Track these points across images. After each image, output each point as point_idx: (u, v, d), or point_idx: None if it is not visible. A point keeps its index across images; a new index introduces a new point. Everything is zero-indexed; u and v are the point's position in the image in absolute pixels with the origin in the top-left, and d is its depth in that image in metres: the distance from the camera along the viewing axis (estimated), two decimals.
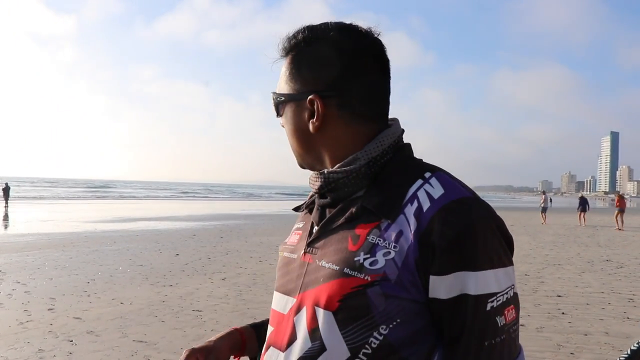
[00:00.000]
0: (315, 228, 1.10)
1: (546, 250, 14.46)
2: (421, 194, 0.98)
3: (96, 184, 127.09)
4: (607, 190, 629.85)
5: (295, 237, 1.18)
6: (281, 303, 1.10)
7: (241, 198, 74.24)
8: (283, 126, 1.16)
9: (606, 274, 10.43)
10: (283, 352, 1.03)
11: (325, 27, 1.09)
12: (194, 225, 21.41)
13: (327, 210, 1.10)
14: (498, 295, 0.95)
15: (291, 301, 1.06)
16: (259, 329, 1.31)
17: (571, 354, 5.27)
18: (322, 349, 0.97)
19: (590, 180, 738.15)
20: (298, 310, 1.03)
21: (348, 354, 0.95)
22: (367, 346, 0.94)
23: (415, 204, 0.97)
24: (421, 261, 0.93)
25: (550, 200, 32.29)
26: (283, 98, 1.11)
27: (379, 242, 0.96)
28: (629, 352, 1.40)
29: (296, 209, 1.28)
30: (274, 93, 1.13)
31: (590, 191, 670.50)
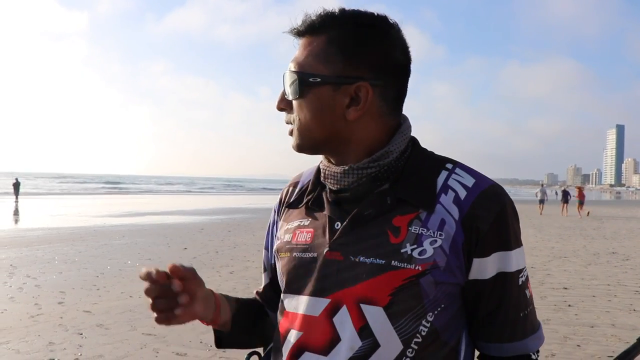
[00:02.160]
0: (338, 224, 1.05)
1: (552, 243, 14.44)
2: (453, 184, 1.03)
3: (105, 179, 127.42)
4: (613, 183, 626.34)
5: (306, 235, 1.10)
6: (307, 305, 1.04)
7: (249, 192, 74.27)
8: (282, 109, 1.10)
9: (612, 266, 10.42)
10: (326, 355, 0.99)
11: (367, 14, 1.05)
12: (202, 219, 21.47)
13: (346, 205, 1.06)
14: (523, 270, 1.04)
15: (322, 302, 1.02)
16: (235, 308, 1.21)
17: (577, 345, 5.29)
18: (375, 345, 0.96)
19: (595, 173, 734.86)
20: (335, 310, 1.00)
21: (401, 347, 0.96)
22: (417, 335, 0.97)
23: (451, 193, 1.01)
24: (466, 245, 0.98)
25: (556, 192, 33.06)
26: (319, 79, 1.02)
27: (423, 231, 0.98)
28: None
29: (292, 206, 1.20)
30: (303, 72, 1.04)
31: (595, 184, 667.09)
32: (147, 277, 0.98)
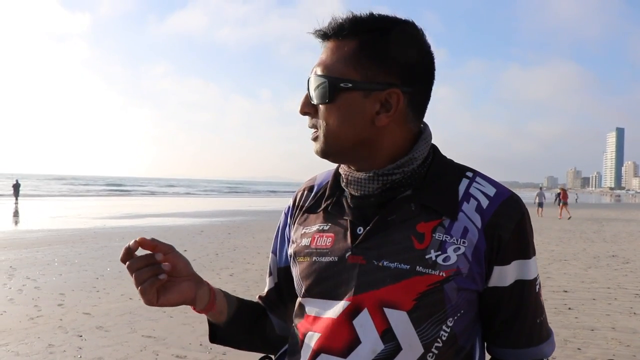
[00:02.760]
0: (360, 229, 1.05)
1: (552, 246, 14.42)
2: (475, 192, 1.05)
3: (105, 181, 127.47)
4: (613, 186, 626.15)
5: (326, 239, 1.09)
6: (328, 308, 1.05)
7: (249, 195, 74.26)
8: (306, 113, 1.07)
9: (612, 269, 10.40)
10: (345, 357, 1.00)
11: (397, 19, 1.05)
12: (202, 221, 21.45)
13: (368, 210, 1.06)
14: (538, 278, 1.07)
15: (342, 305, 1.02)
16: (231, 298, 1.23)
17: (578, 349, 5.29)
18: (397, 349, 0.97)
19: (595, 176, 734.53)
20: (356, 313, 1.00)
21: (422, 350, 0.98)
22: (438, 340, 0.99)
23: (473, 201, 1.03)
24: (488, 253, 1.00)
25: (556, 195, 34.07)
26: (350, 85, 1.01)
27: (447, 239, 1.00)
28: None
29: (310, 210, 1.18)
30: (333, 77, 1.02)
31: (595, 187, 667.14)
32: (127, 252, 1.01)
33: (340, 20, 1.04)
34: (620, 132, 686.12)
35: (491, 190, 1.05)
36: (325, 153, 1.07)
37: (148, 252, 1.03)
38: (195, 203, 41.02)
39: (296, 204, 1.24)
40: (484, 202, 1.03)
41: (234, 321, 1.20)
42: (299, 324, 1.11)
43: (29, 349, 5.21)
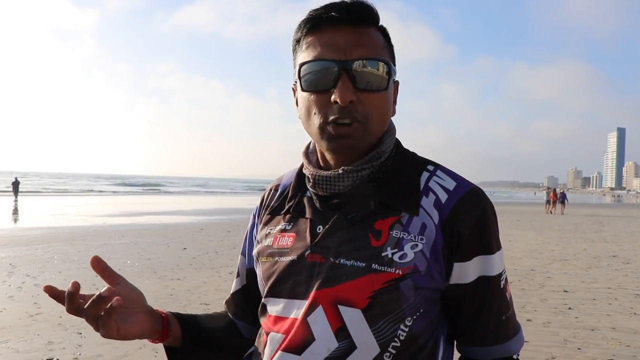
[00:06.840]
0: (320, 227, 1.04)
1: (552, 246, 14.41)
2: (434, 186, 1.02)
3: (108, 179, 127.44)
4: (614, 186, 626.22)
5: (287, 239, 1.08)
6: (287, 307, 1.04)
7: (249, 192, 74.25)
8: (350, 101, 0.97)
9: (613, 269, 10.40)
10: (299, 355, 0.98)
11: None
12: (202, 219, 21.44)
13: (330, 209, 1.05)
14: (503, 273, 1.04)
15: (301, 303, 1.01)
16: (185, 320, 1.20)
17: (578, 349, 5.28)
18: (351, 347, 0.95)
19: (596, 176, 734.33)
20: (311, 310, 0.99)
21: (378, 350, 0.95)
22: (395, 339, 0.96)
23: (432, 195, 1.00)
24: (447, 250, 0.97)
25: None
26: (396, 71, 1.04)
27: (404, 235, 0.97)
28: None
29: (274, 212, 1.17)
30: (389, 63, 1.00)
31: (596, 187, 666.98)
32: (70, 298, 1.00)
33: (364, 7, 1.00)
34: (621, 132, 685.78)
35: (451, 184, 1.02)
36: (359, 146, 1.00)
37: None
38: (196, 201, 41.01)
39: (263, 204, 1.24)
40: (443, 197, 1.00)
41: (189, 343, 1.18)
42: (263, 324, 1.10)
43: (28, 346, 5.21)
